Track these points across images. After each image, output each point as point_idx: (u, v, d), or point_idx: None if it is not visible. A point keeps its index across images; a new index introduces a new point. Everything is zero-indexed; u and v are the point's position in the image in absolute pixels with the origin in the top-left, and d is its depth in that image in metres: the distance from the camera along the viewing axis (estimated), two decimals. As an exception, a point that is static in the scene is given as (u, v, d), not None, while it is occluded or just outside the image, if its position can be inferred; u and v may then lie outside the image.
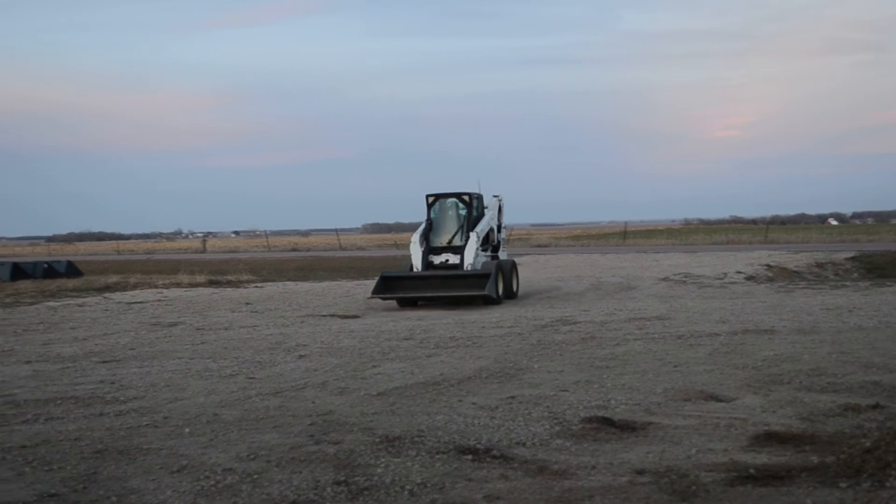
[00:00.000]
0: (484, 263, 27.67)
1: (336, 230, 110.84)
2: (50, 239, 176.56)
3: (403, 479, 8.45)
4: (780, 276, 36.53)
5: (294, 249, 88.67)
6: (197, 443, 10.04)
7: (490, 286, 25.80)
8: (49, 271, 46.79)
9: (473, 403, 11.80)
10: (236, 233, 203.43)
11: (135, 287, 38.01)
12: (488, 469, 8.74)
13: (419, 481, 8.36)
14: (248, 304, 29.05)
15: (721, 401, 11.72)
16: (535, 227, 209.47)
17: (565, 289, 31.82)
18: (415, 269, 27.59)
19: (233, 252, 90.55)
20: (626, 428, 10.28)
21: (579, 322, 20.93)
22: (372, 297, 27.02)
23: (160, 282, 40.08)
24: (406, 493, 8.05)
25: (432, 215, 28.26)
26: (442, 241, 28.08)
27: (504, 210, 30.76)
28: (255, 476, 8.64)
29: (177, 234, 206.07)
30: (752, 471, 8.41)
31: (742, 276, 35.95)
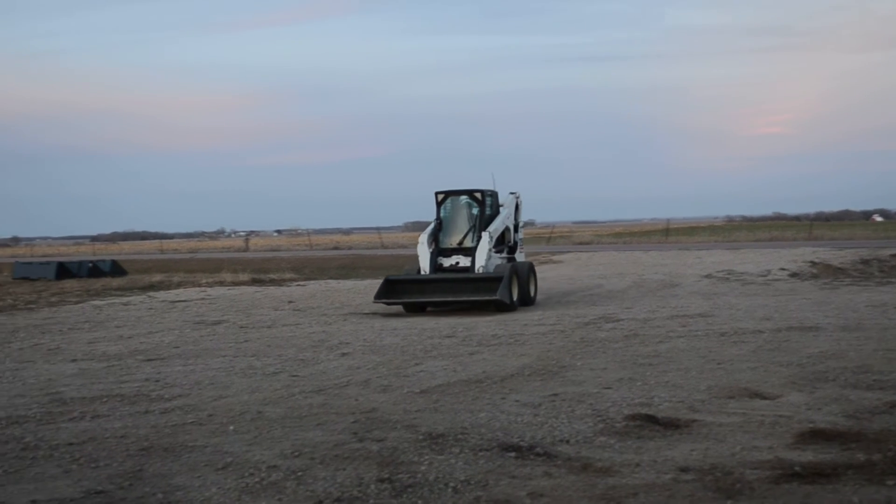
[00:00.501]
0: (497, 266, 25.21)
1: (378, 228, 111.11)
2: (94, 238, 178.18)
3: (447, 476, 8.46)
4: (825, 272, 36.22)
5: (336, 248, 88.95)
6: (241, 440, 10.10)
7: (502, 290, 23.58)
8: (94, 270, 47.18)
9: (516, 401, 11.80)
10: (278, 231, 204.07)
11: (178, 286, 38.23)
12: (532, 466, 8.74)
13: (463, 478, 8.37)
14: (290, 302, 29.15)
15: (765, 398, 11.65)
16: (576, 224, 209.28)
17: (607, 286, 31.73)
18: (422, 272, 25.33)
19: (275, 251, 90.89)
20: (669, 425, 10.24)
21: (622, 319, 20.87)
22: (376, 302, 24.88)
23: (203, 280, 40.30)
24: (450, 490, 8.06)
25: (442, 214, 26.20)
26: (452, 241, 25.94)
27: (522, 208, 28.38)
28: (300, 473, 8.68)
29: (219, 233, 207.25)
30: (797, 469, 8.36)
31: (786, 272, 35.70)
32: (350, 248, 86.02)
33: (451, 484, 8.21)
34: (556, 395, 12.11)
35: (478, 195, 26.01)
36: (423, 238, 25.71)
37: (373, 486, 8.18)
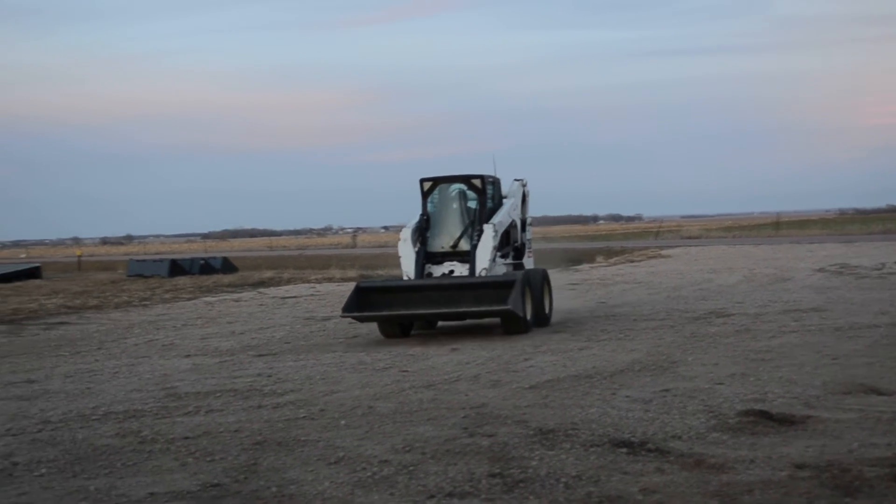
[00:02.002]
0: (504, 273, 20.05)
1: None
2: (205, 236, 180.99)
3: (558, 471, 8.43)
4: (942, 265, 35.36)
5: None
6: (353, 435, 10.17)
7: (514, 299, 17.80)
8: (205, 267, 48.02)
9: (627, 396, 11.72)
10: (385, 228, 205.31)
11: (288, 282, 38.72)
12: (644, 462, 8.67)
13: (574, 474, 8.33)
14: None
15: (883, 394, 11.41)
16: (684, 218, 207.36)
17: (717, 281, 31.36)
18: (406, 278, 19.64)
19: (382, 247, 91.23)
20: (784, 421, 10.08)
21: (733, 314, 20.60)
22: (344, 316, 19.30)
23: (312, 277, 40.76)
24: (561, 485, 8.03)
25: (430, 208, 20.36)
26: (444, 244, 20.08)
27: (530, 200, 22.74)
28: (411, 468, 8.72)
29: (327, 230, 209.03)
30: (918, 466, 8.19)
31: (902, 266, 34.93)
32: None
33: (563, 479, 8.18)
34: (667, 390, 12.01)
35: (477, 182, 20.30)
36: (406, 235, 19.84)
37: (484, 481, 8.19)
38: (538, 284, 19.70)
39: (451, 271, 19.55)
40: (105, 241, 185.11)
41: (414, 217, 20.06)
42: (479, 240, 19.33)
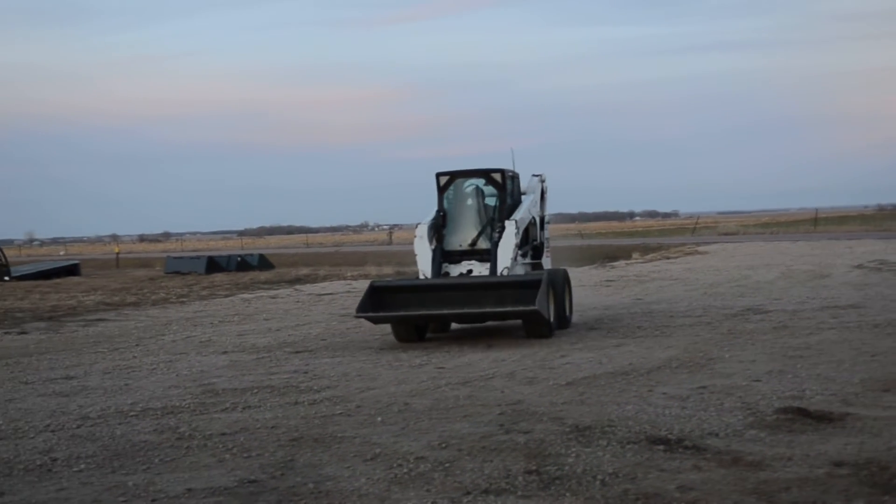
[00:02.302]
0: (527, 273, 19.24)
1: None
2: (242, 233, 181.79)
3: (595, 468, 8.42)
4: (983, 262, 35.03)
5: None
6: (389, 431, 10.20)
7: (541, 300, 16.73)
8: (242, 264, 48.24)
9: (664, 393, 11.68)
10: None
11: (324, 279, 38.82)
12: (681, 460, 8.64)
13: (611, 471, 8.32)
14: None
15: (923, 391, 11.33)
16: (721, 214, 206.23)
17: (755, 277, 31.17)
18: (422, 277, 18.68)
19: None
20: (822, 419, 10.02)
21: (770, 311, 20.48)
22: (358, 317, 18.26)
23: (349, 273, 40.85)
24: (598, 482, 8.02)
25: (446, 205, 19.36)
26: (462, 241, 19.13)
27: (548, 197, 21.80)
28: (447, 464, 8.73)
29: (363, 227, 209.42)
30: (958, 464, 8.12)
31: (942, 262, 34.61)
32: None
33: (599, 476, 8.17)
34: (704, 387, 11.96)
35: (497, 177, 19.25)
36: (422, 231, 18.87)
37: (520, 478, 8.19)
38: (560, 285, 18.75)
39: (470, 270, 18.66)
40: (143, 239, 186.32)
41: (430, 213, 19.23)
42: (500, 237, 18.43)
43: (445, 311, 17.47)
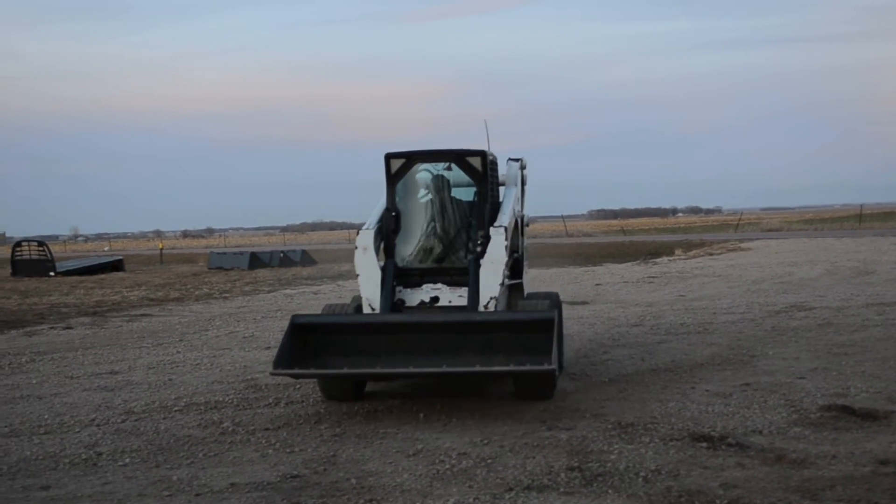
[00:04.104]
0: (523, 301, 12.91)
1: (562, 216, 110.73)
2: (284, 229, 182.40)
3: (637, 465, 8.41)
4: None
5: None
6: (431, 427, 10.21)
7: (556, 353, 10.66)
8: (285, 260, 48.46)
9: (707, 390, 11.63)
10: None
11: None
12: (724, 457, 8.61)
13: (653, 468, 8.30)
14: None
15: (969, 389, 11.23)
16: (764, 210, 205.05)
17: (798, 274, 30.95)
18: (368, 309, 12.33)
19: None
20: (867, 416, 9.95)
21: (815, 308, 20.33)
22: (276, 374, 11.08)
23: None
24: (640, 479, 8.01)
25: (398, 201, 13.00)
26: (422, 256, 12.88)
27: (528, 190, 14.80)
28: (489, 461, 8.74)
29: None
30: None
31: None
32: (535, 237, 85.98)
33: (642, 473, 8.15)
34: (747, 384, 11.90)
35: (475, 162, 12.78)
36: (367, 240, 12.51)
37: (563, 475, 8.19)
38: (560, 319, 12.19)
39: (435, 299, 12.33)
40: (186, 234, 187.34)
41: (373, 212, 13.14)
42: (482, 251, 12.19)
43: (409, 369, 11.01)
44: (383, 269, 12.38)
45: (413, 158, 12.96)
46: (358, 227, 12.82)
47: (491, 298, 11.91)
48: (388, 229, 12.83)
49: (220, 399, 12.33)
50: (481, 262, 12.13)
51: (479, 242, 12.44)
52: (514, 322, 11.40)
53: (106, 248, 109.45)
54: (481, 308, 11.80)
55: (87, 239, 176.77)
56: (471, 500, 7.68)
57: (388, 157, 12.83)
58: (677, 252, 47.46)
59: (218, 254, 53.63)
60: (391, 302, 12.16)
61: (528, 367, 10.57)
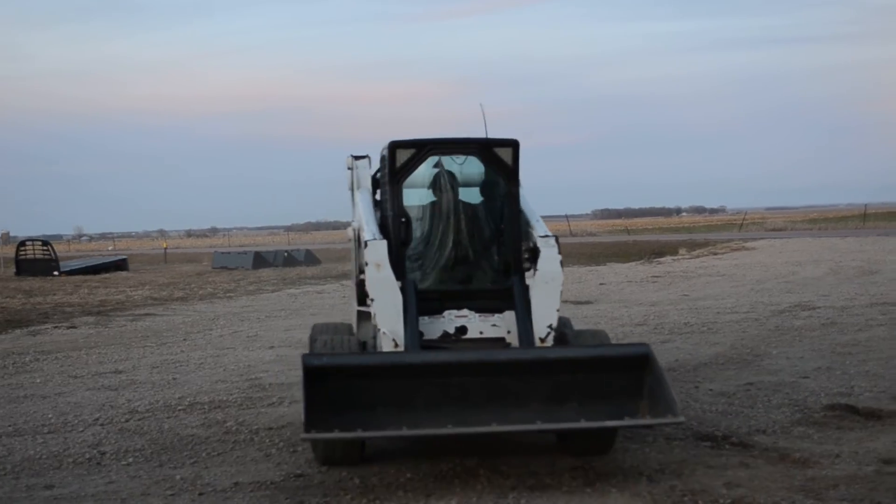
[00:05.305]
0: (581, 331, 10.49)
1: (566, 216, 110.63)
2: (288, 228, 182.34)
3: (641, 464, 8.41)
4: None
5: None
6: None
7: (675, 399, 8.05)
8: (289, 259, 48.44)
9: (710, 390, 11.63)
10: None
11: (370, 274, 38.79)
12: (727, 456, 8.61)
13: (657, 467, 8.30)
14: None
15: (973, 389, 11.22)
16: (769, 210, 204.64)
17: (802, 273, 30.93)
18: (389, 346, 9.28)
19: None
20: (871, 416, 9.95)
21: (819, 307, 20.32)
22: (308, 437, 7.96)
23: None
24: (644, 478, 8.01)
25: (410, 205, 10.30)
26: (441, 274, 10.16)
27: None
28: (492, 460, 8.71)
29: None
30: None
31: None
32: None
33: (646, 472, 8.16)
34: (751, 384, 11.90)
35: (504, 154, 10.14)
36: (379, 255, 9.49)
37: (566, 475, 8.18)
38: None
39: (462, 329, 9.65)
40: (190, 234, 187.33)
41: (360, 216, 10.64)
42: (535, 267, 9.73)
43: (491, 428, 8.20)
44: (405, 292, 9.48)
45: (425, 148, 10.14)
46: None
47: (549, 329, 9.45)
48: (398, 240, 9.86)
49: (224, 398, 12.34)
50: (529, 282, 9.71)
51: (526, 257, 9.88)
52: (600, 360, 8.84)
53: (109, 248, 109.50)
54: (537, 341, 9.30)
55: (91, 238, 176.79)
56: (474, 499, 7.68)
57: (395, 147, 9.98)
58: (681, 251, 47.42)
59: (222, 253, 53.68)
60: (419, 338, 9.35)
61: (665, 419, 8.04)
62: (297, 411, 11.09)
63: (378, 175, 10.92)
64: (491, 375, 8.57)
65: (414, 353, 9.05)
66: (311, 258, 49.76)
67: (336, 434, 7.94)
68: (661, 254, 46.38)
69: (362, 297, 10.02)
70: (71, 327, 21.93)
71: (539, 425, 8.23)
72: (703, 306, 21.60)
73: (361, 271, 10.08)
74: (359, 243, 10.49)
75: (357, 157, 11.23)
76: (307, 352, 9.40)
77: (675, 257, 44.20)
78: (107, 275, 44.72)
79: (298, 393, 12.16)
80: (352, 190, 11.33)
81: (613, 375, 8.56)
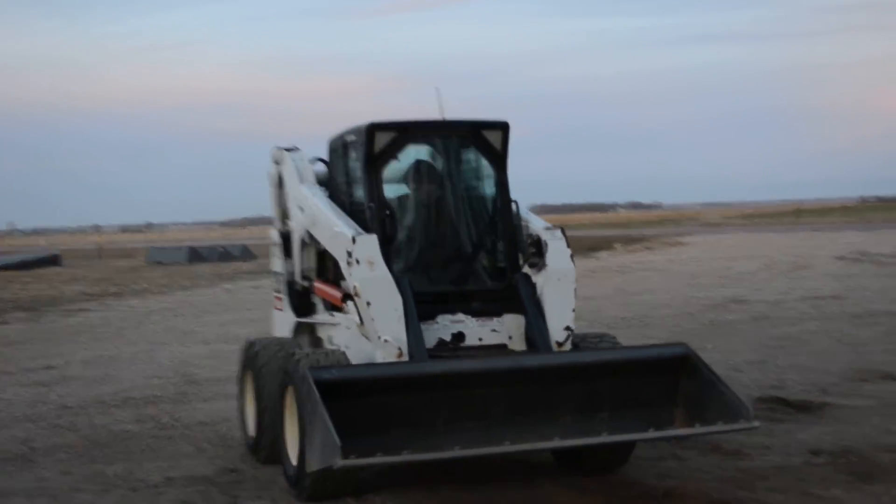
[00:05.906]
0: (599, 338, 8.96)
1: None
2: (224, 224, 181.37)
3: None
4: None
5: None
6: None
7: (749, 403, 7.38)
8: (224, 255, 48.19)
9: (644, 383, 11.69)
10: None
11: (307, 270, 38.71)
12: (659, 448, 8.66)
13: (590, 460, 8.33)
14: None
15: (900, 381, 11.40)
16: (704, 206, 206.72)
17: (736, 268, 31.26)
18: (391, 357, 7.84)
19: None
20: (801, 408, 10.08)
21: (752, 301, 20.55)
22: (348, 465, 6.47)
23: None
24: (579, 472, 8.03)
25: (392, 196, 9.03)
26: (434, 275, 8.90)
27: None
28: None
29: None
30: (934, 452, 8.17)
31: (922, 253, 34.77)
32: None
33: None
34: (684, 377, 11.98)
35: (492, 138, 9.00)
36: (370, 251, 8.15)
37: (497, 467, 8.19)
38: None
39: (459, 336, 8.36)
40: (125, 229, 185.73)
41: (329, 212, 9.09)
42: (545, 263, 8.58)
43: (538, 444, 7.36)
44: (404, 293, 8.13)
45: (408, 132, 8.95)
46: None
47: (567, 331, 8.32)
48: (381, 236, 8.39)
49: (157, 394, 12.25)
50: (536, 280, 8.56)
51: (532, 251, 8.77)
52: (634, 361, 8.20)
53: (42, 243, 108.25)
54: (555, 343, 8.21)
55: (23, 234, 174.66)
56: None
57: (373, 129, 8.68)
58: (617, 247, 47.72)
59: (157, 249, 53.26)
60: (423, 345, 8.04)
61: (737, 425, 7.30)
62: (231, 406, 10.69)
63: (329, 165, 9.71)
64: (518, 385, 7.72)
65: (435, 367, 7.78)
66: (247, 253, 49.53)
67: (379, 458, 6.67)
68: (597, 249, 46.65)
69: (304, 306, 9.50)
70: (2, 323, 21.67)
71: (605, 437, 7.23)
72: (639, 301, 21.76)
73: (305, 277, 9.55)
74: (303, 244, 9.63)
75: (287, 150, 10.07)
76: (289, 365, 8.02)
77: (611, 252, 44.47)
78: (39, 270, 44.15)
79: (233, 389, 11.79)
80: (277, 186, 10.28)
81: (651, 380, 7.89)
